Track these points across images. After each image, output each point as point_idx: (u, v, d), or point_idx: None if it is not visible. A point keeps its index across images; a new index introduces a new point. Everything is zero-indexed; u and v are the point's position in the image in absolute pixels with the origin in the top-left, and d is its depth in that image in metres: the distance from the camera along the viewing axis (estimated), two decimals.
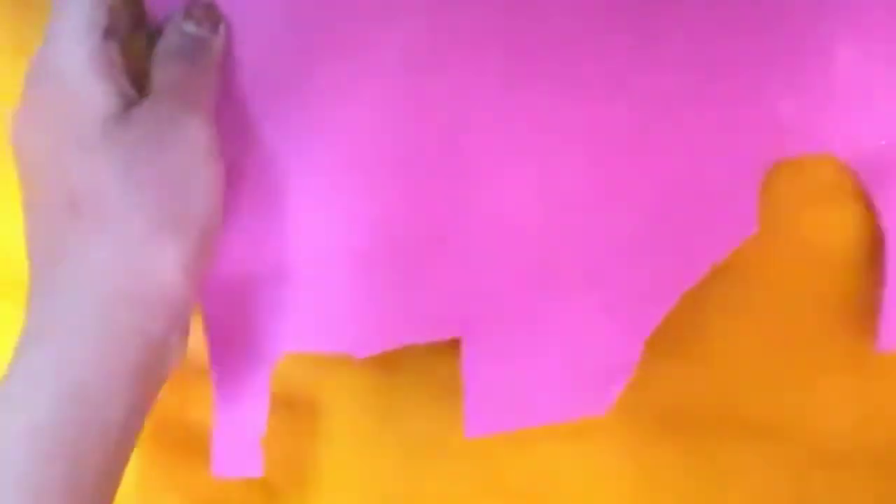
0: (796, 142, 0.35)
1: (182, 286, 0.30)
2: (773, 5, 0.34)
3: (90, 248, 0.30)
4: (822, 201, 0.36)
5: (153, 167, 0.30)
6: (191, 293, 0.31)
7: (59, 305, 0.30)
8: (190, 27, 0.32)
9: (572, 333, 0.34)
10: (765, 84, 0.35)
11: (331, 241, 0.35)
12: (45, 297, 0.30)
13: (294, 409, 0.37)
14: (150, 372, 0.30)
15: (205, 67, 0.32)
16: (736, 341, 0.35)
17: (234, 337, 0.35)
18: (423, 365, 0.36)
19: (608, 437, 0.36)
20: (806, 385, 0.35)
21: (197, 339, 0.34)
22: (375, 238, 0.34)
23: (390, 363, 0.35)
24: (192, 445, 0.37)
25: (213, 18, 0.33)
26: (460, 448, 0.35)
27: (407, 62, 0.34)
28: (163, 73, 0.32)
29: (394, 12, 0.33)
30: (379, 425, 0.37)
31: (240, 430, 0.35)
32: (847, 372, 0.36)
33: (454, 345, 0.35)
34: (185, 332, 0.32)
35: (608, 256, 0.34)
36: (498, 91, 0.34)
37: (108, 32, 0.31)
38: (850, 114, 0.35)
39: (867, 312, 0.35)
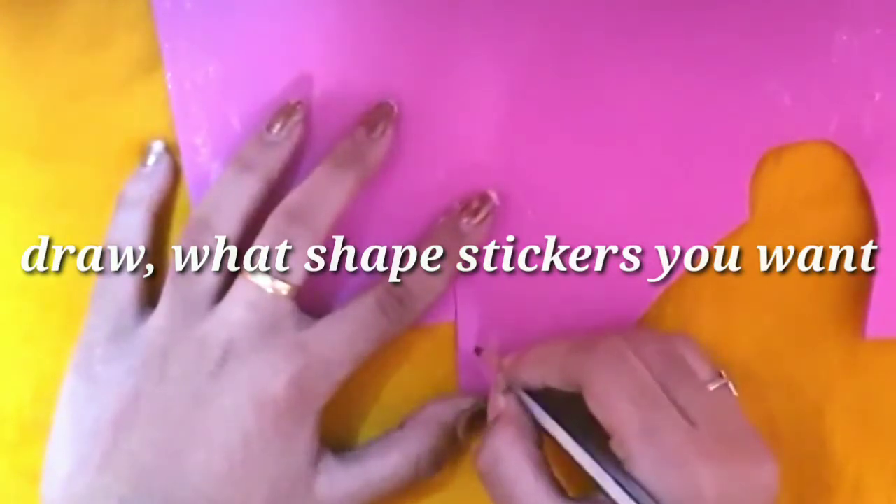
0: (793, 128, 0.35)
1: None
2: None
3: None
4: (823, 201, 0.35)
5: None
6: None
7: None
8: None
9: (562, 315, 0.35)
10: (762, 69, 0.35)
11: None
12: None
13: None
14: None
15: None
16: (735, 340, 0.35)
17: None
18: None
19: None
20: (805, 384, 0.35)
21: None
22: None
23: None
24: None
25: None
26: None
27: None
28: None
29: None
30: None
31: None
32: (847, 372, 0.35)
33: None
34: None
35: (600, 241, 0.35)
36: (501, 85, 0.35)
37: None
38: (848, 100, 0.35)
39: (866, 312, 0.35)
